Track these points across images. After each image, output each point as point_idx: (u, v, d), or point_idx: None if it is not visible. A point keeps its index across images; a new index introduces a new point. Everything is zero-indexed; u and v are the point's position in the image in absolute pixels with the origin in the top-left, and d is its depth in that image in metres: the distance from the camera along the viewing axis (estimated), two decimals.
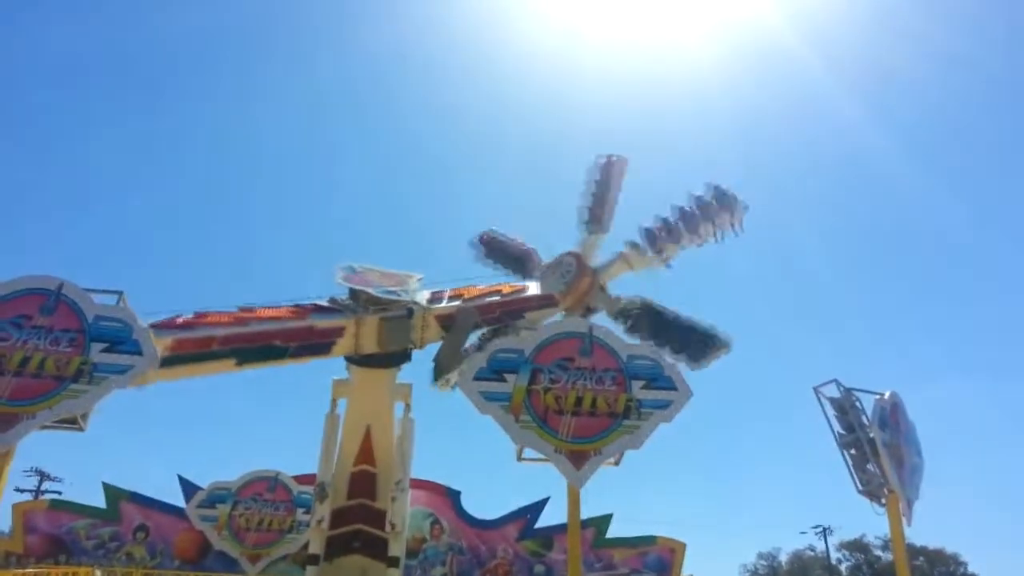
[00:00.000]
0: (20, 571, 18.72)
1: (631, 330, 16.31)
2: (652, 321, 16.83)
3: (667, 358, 14.73)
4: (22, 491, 35.33)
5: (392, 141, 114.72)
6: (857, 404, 16.04)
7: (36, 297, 9.84)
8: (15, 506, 23.43)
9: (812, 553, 51.53)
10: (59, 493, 35.87)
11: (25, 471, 36.63)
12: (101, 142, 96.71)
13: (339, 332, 17.41)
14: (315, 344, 16.78)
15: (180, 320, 13.07)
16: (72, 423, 9.56)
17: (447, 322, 17.46)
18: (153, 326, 12.29)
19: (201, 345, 13.00)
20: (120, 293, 10.33)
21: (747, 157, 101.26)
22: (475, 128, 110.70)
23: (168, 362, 11.91)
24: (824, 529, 46.06)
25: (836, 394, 16.18)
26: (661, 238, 17.43)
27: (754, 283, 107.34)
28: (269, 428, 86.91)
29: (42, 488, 38.10)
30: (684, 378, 10.36)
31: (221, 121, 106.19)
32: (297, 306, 17.01)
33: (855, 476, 15.58)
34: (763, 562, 56.68)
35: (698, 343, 16.19)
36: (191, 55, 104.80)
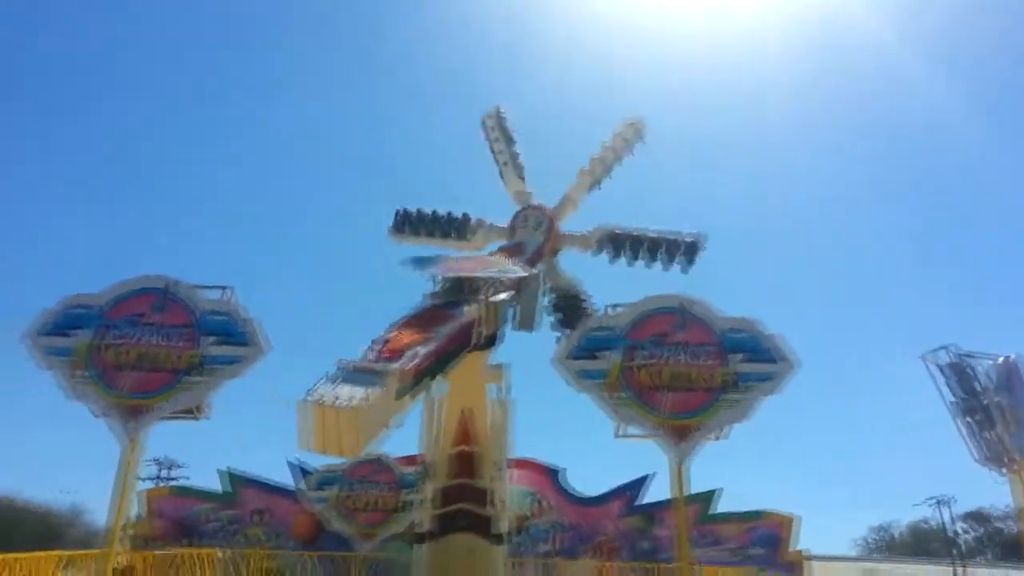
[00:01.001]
0: (151, 553, 19.93)
1: (614, 257, 18.83)
2: (628, 243, 19.12)
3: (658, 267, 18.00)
4: (146, 479, 37.67)
5: None
6: (969, 371, 15.20)
7: (148, 296, 10.41)
8: (143, 493, 24.96)
9: (929, 525, 49.36)
10: (183, 479, 38.00)
11: (148, 461, 38.95)
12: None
13: (475, 323, 17.51)
14: (464, 341, 16.95)
15: (386, 348, 13.73)
16: (191, 413, 10.10)
17: None
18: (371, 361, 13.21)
19: (419, 368, 13.54)
20: (225, 288, 10.77)
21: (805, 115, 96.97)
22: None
23: (407, 390, 12.78)
24: (941, 501, 43.88)
25: (946, 361, 15.40)
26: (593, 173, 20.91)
27: (821, 252, 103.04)
28: None
29: (165, 476, 40.57)
30: (789, 349, 9.98)
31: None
32: (424, 311, 17.05)
33: (973, 445, 14.78)
34: (876, 536, 54.77)
35: (675, 250, 18.44)
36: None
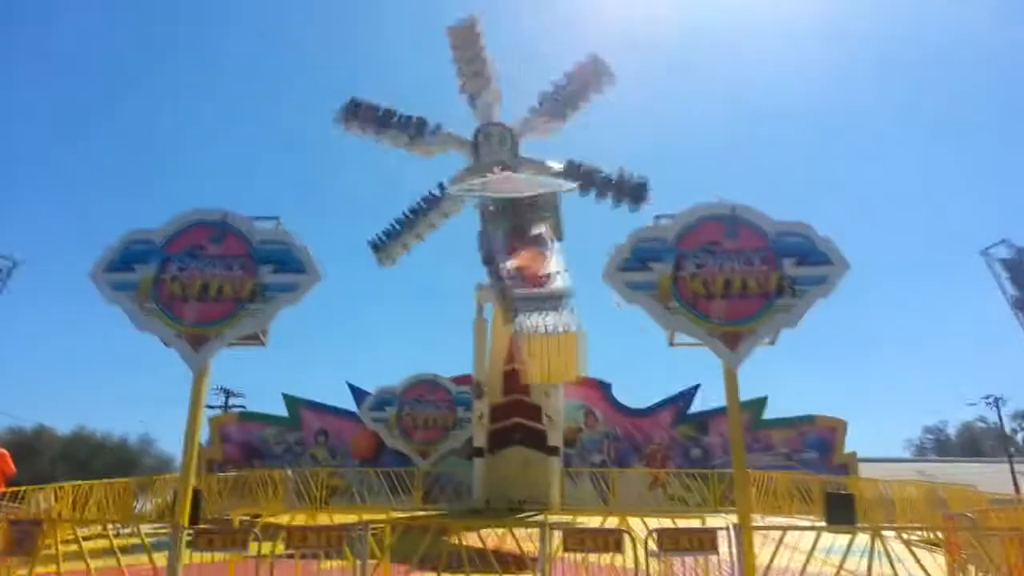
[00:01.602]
0: (224, 475, 20.95)
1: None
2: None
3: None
4: (213, 407, 39.25)
5: None
6: None
7: (205, 229, 10.63)
8: (211, 419, 26.10)
9: (983, 425, 49.16)
10: (243, 407, 39.54)
11: (215, 389, 40.55)
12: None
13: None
14: None
15: (528, 274, 14.49)
16: (253, 339, 10.44)
17: None
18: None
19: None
20: (276, 218, 10.96)
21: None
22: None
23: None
24: (996, 399, 43.52)
25: (1007, 255, 15.05)
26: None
27: (902, 142, 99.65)
28: (415, 333, 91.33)
29: (228, 403, 42.25)
30: (839, 250, 9.83)
31: None
32: (513, 235, 17.80)
33: None
34: (930, 436, 54.82)
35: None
36: None
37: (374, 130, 21.42)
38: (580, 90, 21.66)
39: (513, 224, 17.65)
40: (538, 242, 16.86)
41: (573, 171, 20.62)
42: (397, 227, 20.97)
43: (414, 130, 21.35)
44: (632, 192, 20.41)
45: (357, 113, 21.50)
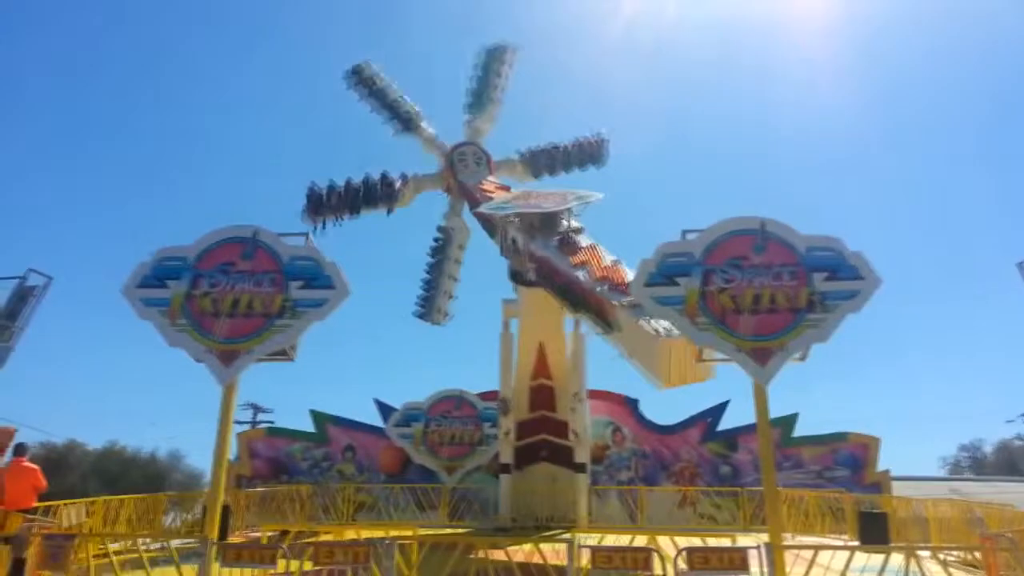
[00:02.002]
0: (252, 490, 21.07)
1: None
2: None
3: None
4: (240, 423, 39.59)
5: None
6: None
7: (236, 245, 10.79)
8: (239, 435, 26.28)
9: (1022, 442, 48.03)
10: (271, 422, 39.82)
11: (243, 405, 40.92)
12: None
13: None
14: None
15: (615, 279, 14.61)
16: (282, 355, 10.53)
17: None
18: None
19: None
20: (306, 234, 11.12)
21: None
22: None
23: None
24: None
25: None
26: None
27: (936, 155, 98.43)
28: (442, 350, 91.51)
29: (256, 419, 42.60)
30: (870, 265, 9.70)
31: None
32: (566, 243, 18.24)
33: None
34: (965, 454, 53.64)
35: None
36: None
37: (348, 214, 21.30)
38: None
39: (542, 229, 17.65)
40: (573, 241, 16.83)
41: (536, 160, 21.48)
42: (429, 285, 21.56)
43: (385, 197, 21.31)
44: (596, 152, 21.48)
45: (323, 205, 20.90)
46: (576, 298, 15.59)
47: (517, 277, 19.43)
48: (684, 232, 10.38)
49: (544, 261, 16.85)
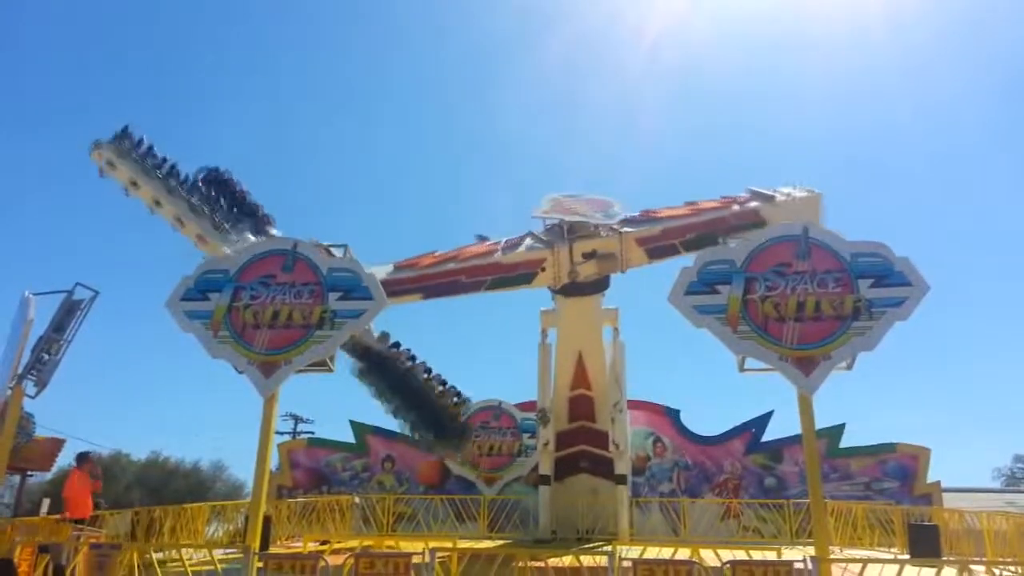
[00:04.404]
0: (293, 500, 21.23)
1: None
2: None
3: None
4: (281, 433, 40.03)
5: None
6: None
7: (276, 257, 10.93)
8: (280, 445, 26.51)
9: None
10: (311, 432, 40.18)
11: (284, 416, 41.40)
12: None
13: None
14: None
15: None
16: (322, 365, 10.62)
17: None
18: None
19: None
20: (345, 246, 11.23)
21: None
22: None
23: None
24: None
25: None
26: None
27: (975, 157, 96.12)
28: (479, 360, 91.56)
29: (296, 429, 43.05)
30: (918, 271, 9.45)
31: None
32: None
33: None
34: (1021, 465, 51.98)
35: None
36: None
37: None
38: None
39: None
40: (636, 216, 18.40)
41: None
42: None
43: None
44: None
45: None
46: (726, 227, 16.40)
47: (556, 286, 19.31)
48: (722, 239, 10.25)
49: (667, 231, 17.89)
